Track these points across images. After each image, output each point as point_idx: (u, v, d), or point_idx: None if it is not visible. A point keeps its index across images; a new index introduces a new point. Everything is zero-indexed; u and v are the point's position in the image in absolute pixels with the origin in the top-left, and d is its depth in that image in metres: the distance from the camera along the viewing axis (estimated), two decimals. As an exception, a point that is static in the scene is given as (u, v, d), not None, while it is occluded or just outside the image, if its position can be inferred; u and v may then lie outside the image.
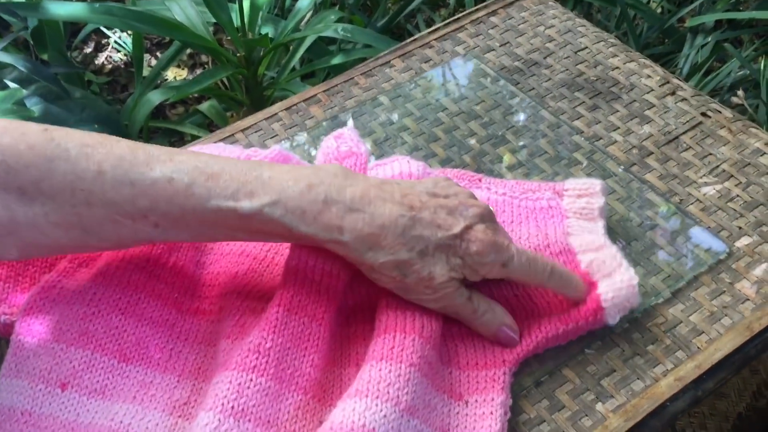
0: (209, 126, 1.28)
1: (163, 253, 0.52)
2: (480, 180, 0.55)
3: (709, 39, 1.21)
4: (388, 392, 0.42)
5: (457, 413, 0.45)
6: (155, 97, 1.04)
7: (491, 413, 0.44)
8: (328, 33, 1.02)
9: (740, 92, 1.12)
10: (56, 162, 0.43)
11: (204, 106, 1.23)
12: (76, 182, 0.43)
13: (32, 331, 0.49)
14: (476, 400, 0.45)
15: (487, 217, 0.47)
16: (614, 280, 0.48)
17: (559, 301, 0.48)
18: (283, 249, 0.55)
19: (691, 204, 0.56)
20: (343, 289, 0.49)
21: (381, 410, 0.41)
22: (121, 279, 0.51)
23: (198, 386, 0.49)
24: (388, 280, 0.45)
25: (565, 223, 0.52)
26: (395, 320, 0.46)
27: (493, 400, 0.45)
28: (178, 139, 1.27)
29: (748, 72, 1.16)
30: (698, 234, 0.54)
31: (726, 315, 0.49)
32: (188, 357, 0.50)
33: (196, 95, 1.58)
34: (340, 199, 0.44)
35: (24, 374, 0.48)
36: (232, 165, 0.45)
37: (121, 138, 0.46)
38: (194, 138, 0.99)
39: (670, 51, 1.30)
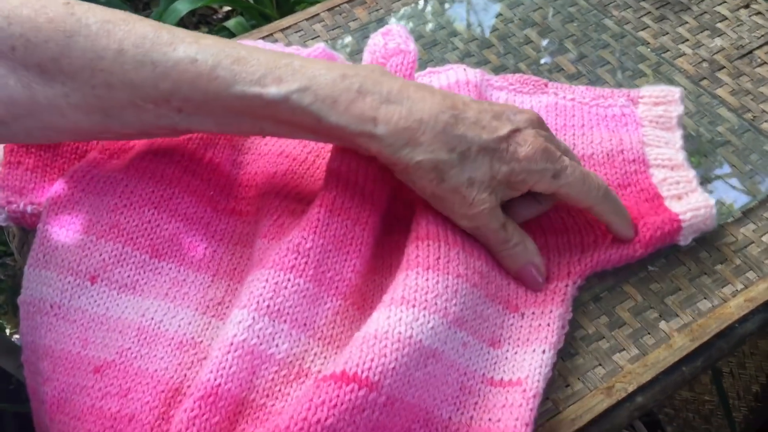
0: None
1: (198, 148, 0.49)
2: (546, 85, 0.52)
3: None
4: (436, 303, 0.39)
5: (511, 325, 0.42)
6: (183, 6, 1.00)
7: (548, 325, 0.41)
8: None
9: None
10: (75, 38, 0.40)
11: (231, 23, 1.19)
12: (96, 61, 0.40)
13: (60, 221, 0.46)
14: (533, 313, 0.42)
15: (538, 123, 0.42)
16: (690, 200, 0.45)
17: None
18: (325, 152, 0.51)
19: (766, 121, 0.52)
20: (387, 197, 0.46)
21: (429, 322, 0.39)
22: (154, 172, 0.48)
23: (233, 287, 0.46)
24: (424, 183, 0.41)
25: (640, 132, 0.48)
26: (437, 228, 0.43)
27: (551, 312, 0.42)
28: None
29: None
30: (773, 152, 0.50)
31: (801, 237, 0.46)
32: (223, 257, 0.47)
33: (222, 15, 1.53)
34: (375, 90, 0.40)
35: (52, 265, 0.45)
36: (261, 52, 0.42)
37: (145, 18, 0.43)
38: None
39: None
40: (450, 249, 0.42)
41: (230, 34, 1.22)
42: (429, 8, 0.61)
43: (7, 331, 0.90)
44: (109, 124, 0.42)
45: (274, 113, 0.41)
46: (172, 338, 0.44)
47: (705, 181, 0.49)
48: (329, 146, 0.51)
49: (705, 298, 0.44)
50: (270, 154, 0.51)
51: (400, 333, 0.38)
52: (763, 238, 0.46)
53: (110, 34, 0.40)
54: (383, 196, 0.46)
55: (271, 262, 0.43)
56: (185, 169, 0.48)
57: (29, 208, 0.48)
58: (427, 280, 0.40)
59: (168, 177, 0.48)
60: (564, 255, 0.44)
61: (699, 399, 0.85)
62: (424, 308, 0.39)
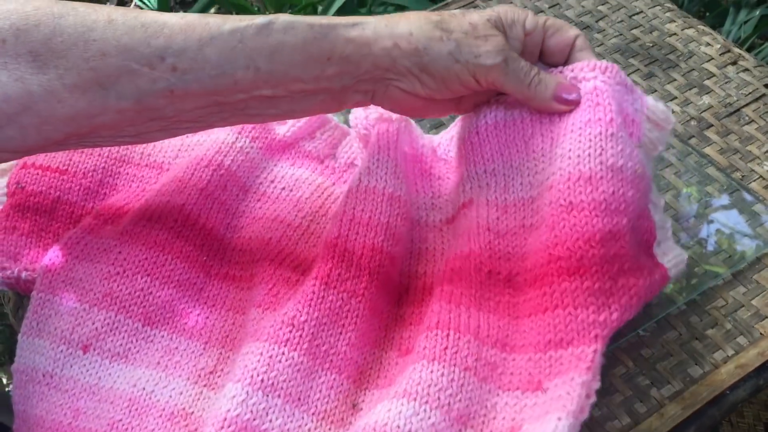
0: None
1: (192, 212, 0.50)
2: None
3: (756, 13, 1.16)
4: (439, 398, 0.38)
5: (534, 404, 0.39)
6: None
7: (567, 393, 0.37)
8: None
9: (787, 70, 1.07)
10: (65, 17, 0.41)
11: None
12: (88, 33, 0.41)
13: (54, 289, 0.47)
14: (556, 384, 0.38)
15: None
16: (666, 249, 0.44)
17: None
18: (319, 216, 0.52)
19: (754, 180, 0.52)
20: (388, 266, 0.46)
21: (429, 417, 0.38)
22: (147, 238, 0.48)
23: (225, 355, 0.46)
24: (441, 52, 0.42)
25: None
26: (449, 315, 0.42)
27: (572, 379, 0.37)
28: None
29: (795, 49, 1.11)
30: (761, 212, 0.50)
31: (791, 300, 0.46)
32: (216, 323, 0.47)
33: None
34: None
35: (45, 334, 0.45)
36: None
37: None
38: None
39: (711, 25, 1.24)
40: (460, 337, 0.40)
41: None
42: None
43: (5, 381, 0.89)
44: (106, 101, 0.42)
45: (266, 39, 0.42)
46: (164, 409, 0.44)
47: (695, 239, 0.49)
48: (324, 210, 0.52)
49: (696, 364, 0.44)
50: (264, 219, 0.51)
51: (398, 427, 0.37)
52: (753, 302, 0.46)
53: (97, 11, 0.42)
54: (384, 266, 0.45)
55: (265, 335, 0.43)
56: (178, 234, 0.49)
57: (24, 275, 0.48)
58: (431, 372, 0.39)
59: (161, 243, 0.48)
60: (589, 308, 0.39)
61: (698, 445, 0.84)
62: (426, 402, 0.38)
